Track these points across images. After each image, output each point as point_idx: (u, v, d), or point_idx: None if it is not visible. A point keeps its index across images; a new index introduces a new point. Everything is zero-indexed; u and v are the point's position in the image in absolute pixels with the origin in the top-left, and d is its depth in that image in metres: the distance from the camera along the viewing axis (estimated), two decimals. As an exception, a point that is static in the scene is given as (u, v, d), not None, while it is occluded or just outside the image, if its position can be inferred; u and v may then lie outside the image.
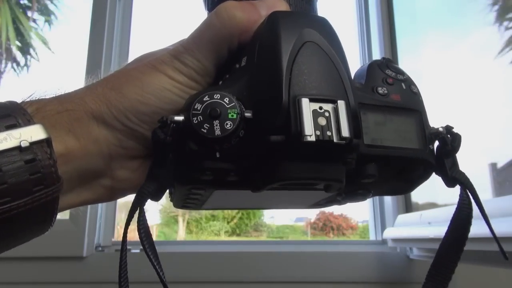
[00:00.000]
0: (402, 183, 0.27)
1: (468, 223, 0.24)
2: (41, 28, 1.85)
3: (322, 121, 0.21)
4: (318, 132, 0.20)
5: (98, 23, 1.10)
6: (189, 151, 0.22)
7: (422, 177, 0.27)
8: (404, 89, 0.26)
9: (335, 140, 0.21)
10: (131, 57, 0.28)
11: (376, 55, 1.11)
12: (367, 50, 1.15)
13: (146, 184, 0.23)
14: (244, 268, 0.93)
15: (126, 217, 0.23)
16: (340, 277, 0.92)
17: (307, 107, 0.21)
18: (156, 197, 0.24)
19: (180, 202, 0.27)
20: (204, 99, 0.22)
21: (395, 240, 0.94)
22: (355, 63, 0.24)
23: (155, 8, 1.47)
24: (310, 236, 2.00)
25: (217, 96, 0.22)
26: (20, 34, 1.73)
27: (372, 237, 1.06)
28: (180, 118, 0.22)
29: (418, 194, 0.98)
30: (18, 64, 1.74)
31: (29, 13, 1.82)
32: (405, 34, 1.10)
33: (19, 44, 1.77)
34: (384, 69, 0.27)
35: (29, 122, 0.21)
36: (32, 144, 0.20)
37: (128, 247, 0.24)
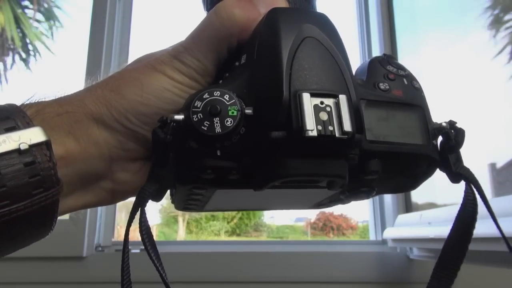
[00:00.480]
0: (406, 180, 0.27)
1: (473, 219, 0.24)
2: (45, 30, 1.85)
3: (323, 116, 0.20)
4: (319, 127, 0.20)
5: (98, 23, 1.09)
6: (190, 149, 0.21)
7: (426, 173, 0.26)
8: (406, 85, 0.26)
9: (337, 135, 0.20)
10: (131, 57, 0.28)
11: (376, 54, 1.10)
12: (367, 48, 1.15)
13: (147, 184, 0.23)
14: (244, 268, 0.93)
15: (126, 217, 0.23)
16: (340, 277, 0.92)
17: (308, 102, 0.20)
18: (157, 198, 0.24)
19: (182, 203, 0.27)
20: (204, 96, 0.22)
21: (395, 240, 0.94)
22: (355, 62, 0.24)
23: (155, 8, 1.47)
24: (310, 236, 2.00)
25: (217, 93, 0.22)
26: (22, 34, 1.73)
27: (372, 237, 1.06)
28: (180, 116, 0.22)
29: (418, 194, 0.98)
30: (24, 60, 1.74)
31: (29, 13, 1.82)
32: (405, 32, 1.10)
33: (19, 35, 1.77)
34: (385, 65, 0.26)
35: (28, 124, 0.20)
36: (32, 146, 0.20)
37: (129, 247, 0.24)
